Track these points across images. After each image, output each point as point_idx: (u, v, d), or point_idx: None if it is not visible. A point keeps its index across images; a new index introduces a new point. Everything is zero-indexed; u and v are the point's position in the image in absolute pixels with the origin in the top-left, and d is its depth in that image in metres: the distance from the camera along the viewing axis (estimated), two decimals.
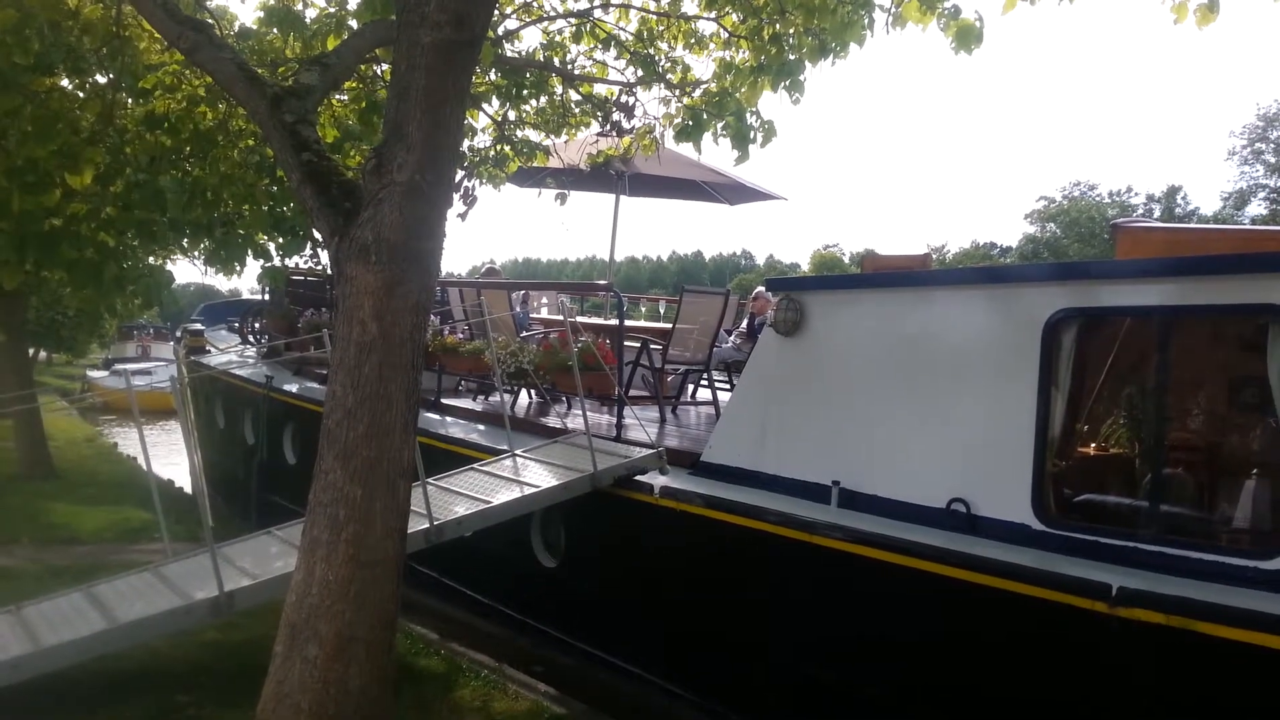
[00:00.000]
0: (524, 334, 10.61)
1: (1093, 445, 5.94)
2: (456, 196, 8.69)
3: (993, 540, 5.50)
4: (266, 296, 15.26)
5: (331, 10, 7.60)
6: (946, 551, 5.36)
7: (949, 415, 5.99)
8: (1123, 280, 5.47)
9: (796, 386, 6.92)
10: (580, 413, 8.12)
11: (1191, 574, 4.83)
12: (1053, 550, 5.31)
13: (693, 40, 8.06)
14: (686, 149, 8.12)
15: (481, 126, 9.18)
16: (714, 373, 10.31)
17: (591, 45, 8.37)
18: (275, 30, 7.80)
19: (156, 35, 7.43)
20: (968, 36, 5.93)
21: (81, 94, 7.97)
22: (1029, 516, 5.50)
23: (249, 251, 8.35)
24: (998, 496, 5.65)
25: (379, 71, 8.13)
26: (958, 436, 5.93)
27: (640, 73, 8.18)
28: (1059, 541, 5.35)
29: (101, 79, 7.91)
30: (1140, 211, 65.61)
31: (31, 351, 23.19)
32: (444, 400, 10.46)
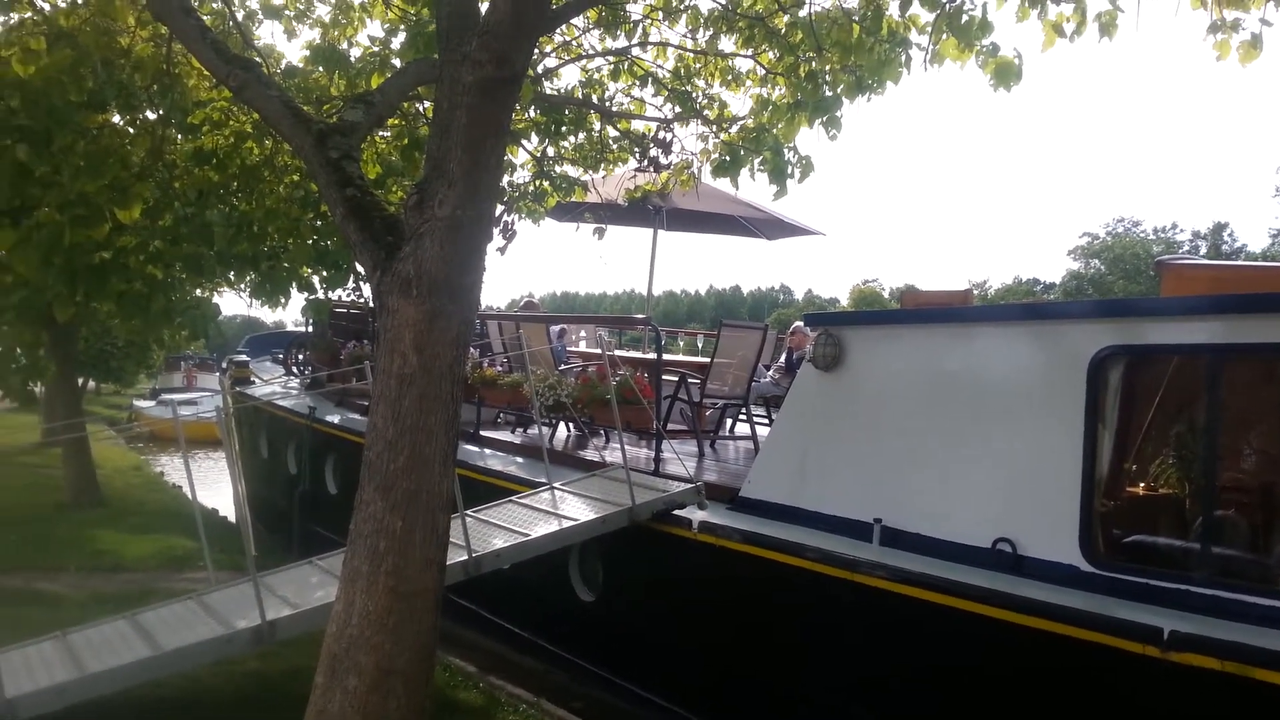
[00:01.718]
0: (562, 367, 10.64)
1: (1142, 485, 5.81)
2: (496, 231, 8.76)
3: (1039, 581, 5.38)
4: (310, 329, 15.47)
5: (376, 49, 7.75)
6: (991, 592, 5.26)
7: (993, 453, 5.89)
8: (1168, 318, 5.37)
9: (836, 422, 6.86)
10: (618, 446, 8.10)
11: (1246, 618, 4.68)
12: (1102, 592, 5.19)
13: (730, 77, 8.10)
14: (724, 184, 8.14)
15: (521, 162, 9.29)
16: (752, 407, 10.26)
17: (629, 82, 8.45)
18: (321, 69, 7.96)
19: (205, 73, 7.61)
20: (1006, 74, 5.90)
21: (132, 130, 8.18)
22: (1077, 557, 5.38)
23: (293, 284, 8.48)
24: (1044, 536, 5.53)
25: (421, 109, 8.26)
26: (1002, 475, 5.83)
27: (678, 109, 8.23)
28: (1108, 583, 5.22)
29: (151, 115, 8.11)
30: (1186, 248, 64.70)
31: (81, 382, 23.64)
32: (483, 432, 10.49)
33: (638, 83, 8.43)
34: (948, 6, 5.86)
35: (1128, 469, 5.77)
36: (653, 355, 9.72)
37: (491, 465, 9.31)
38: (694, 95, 8.22)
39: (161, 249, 7.74)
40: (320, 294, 9.04)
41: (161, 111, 7.72)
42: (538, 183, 9.22)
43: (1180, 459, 5.58)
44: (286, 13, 8.29)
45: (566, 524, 7.17)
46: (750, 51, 7.60)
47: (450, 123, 4.50)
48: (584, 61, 8.50)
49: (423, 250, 4.48)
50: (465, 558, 6.56)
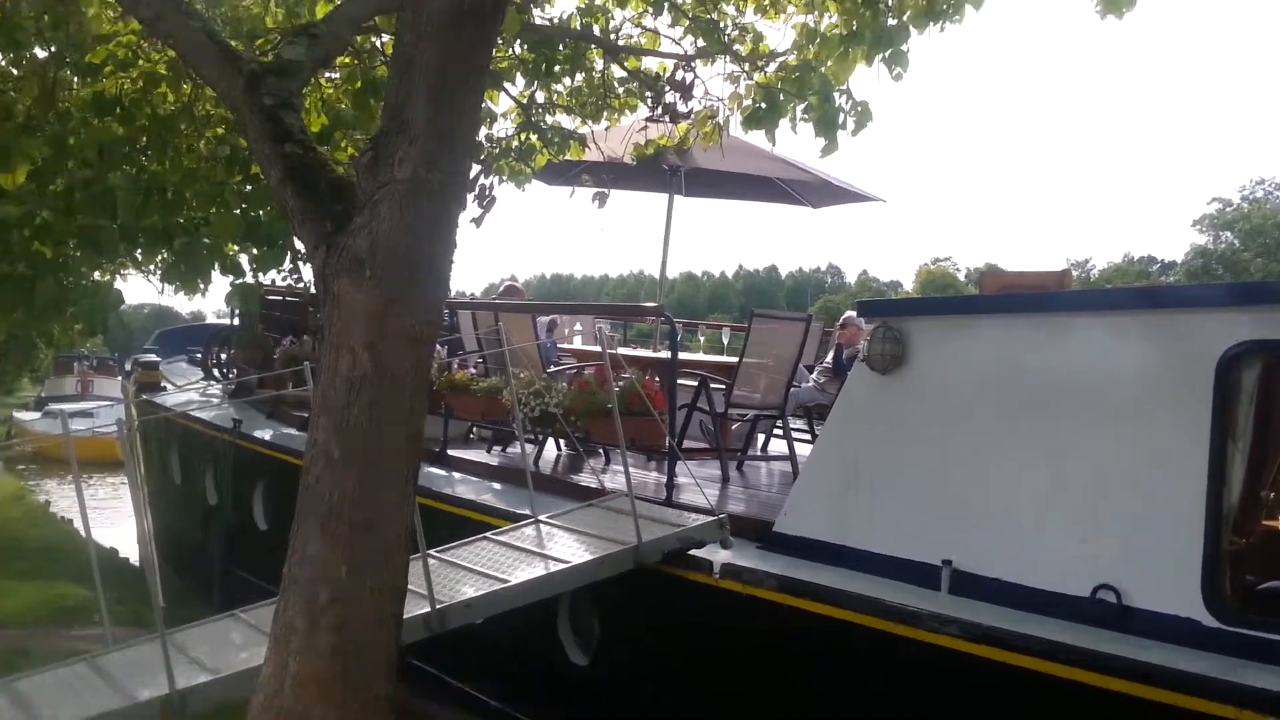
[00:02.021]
0: (552, 369, 10.66)
1: None
2: (470, 197, 8.80)
3: (1152, 640, 5.39)
4: (236, 321, 15.53)
5: None
6: (1091, 654, 5.27)
7: (1095, 478, 5.91)
8: None
9: (896, 438, 6.87)
10: (621, 469, 8.12)
11: None
12: (1230, 653, 5.19)
13: (767, 3, 8.12)
14: (758, 138, 8.16)
15: (503, 111, 9.32)
16: (791, 419, 10.27)
17: (640, 9, 8.47)
18: None
19: (110, 0, 7.66)
20: None
21: (16, 71, 8.21)
22: (1199, 609, 5.39)
23: (215, 265, 8.48)
24: (1158, 583, 5.54)
25: (378, 44, 8.29)
26: (1106, 505, 5.84)
27: (701, 43, 8.25)
28: (1238, 642, 5.23)
29: (41, 53, 8.15)
30: None
31: None
32: (451, 451, 10.54)
33: (650, 10, 8.45)
34: None
35: (1265, 497, 5.78)
36: (666, 354, 9.74)
37: (462, 493, 9.35)
38: (721, 25, 8.24)
39: (51, 221, 7.77)
40: (249, 277, 9.06)
41: (54, 49, 7.75)
42: (523, 136, 9.24)
43: None
44: None
45: (555, 567, 7.18)
46: None
47: (414, 61, 4.52)
48: None
49: (378, 221, 4.51)
50: (427, 610, 6.58)
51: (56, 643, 9.69)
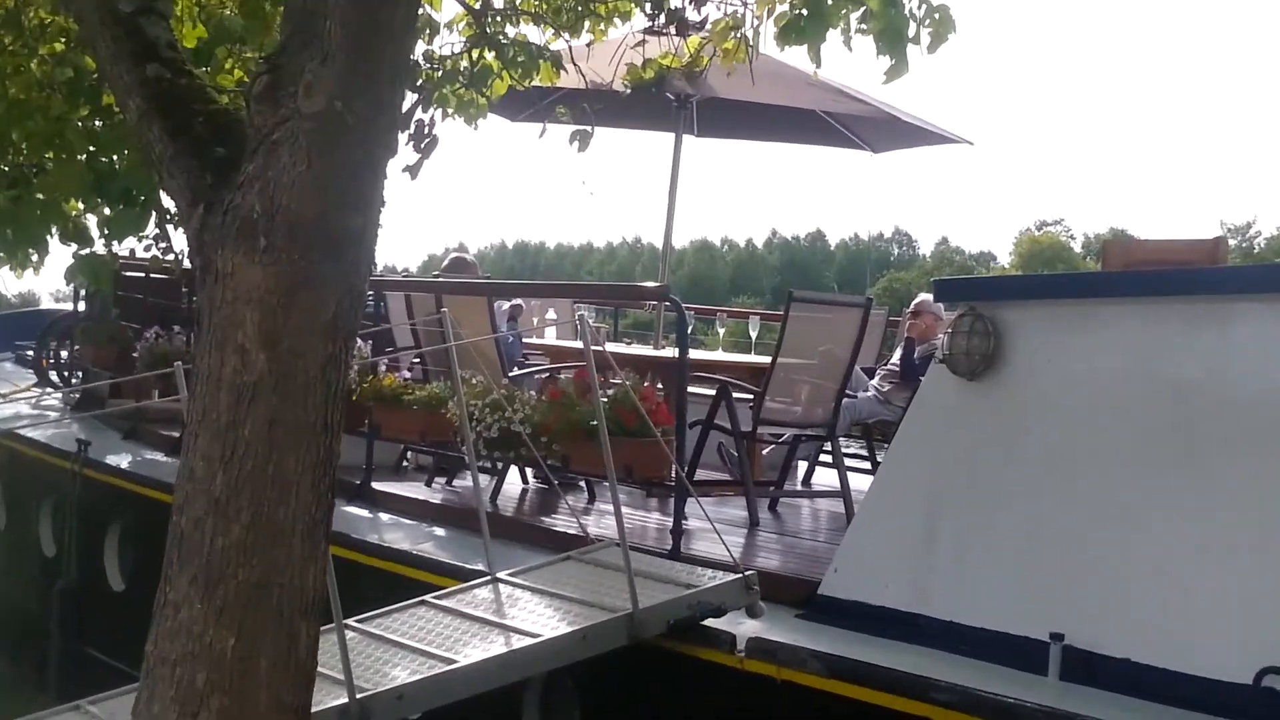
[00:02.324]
0: (516, 372, 10.65)
1: None
2: (403, 137, 8.79)
3: None
4: (81, 307, 15.51)
5: None
6: None
7: (1260, 520, 5.92)
8: None
9: (988, 467, 6.90)
10: (610, 508, 8.12)
11: None
12: None
13: None
14: (798, 56, 8.15)
15: (448, 20, 9.30)
16: (843, 441, 10.28)
17: None
18: None
19: None
20: None
21: None
22: None
23: (53, 230, 8.49)
24: None
25: None
26: (1275, 559, 5.84)
27: None
28: None
29: None
30: None
31: None
32: (377, 485, 10.58)
33: None
34: None
35: None
36: (672, 351, 9.75)
37: (392, 540, 9.38)
38: None
39: None
40: (99, 247, 9.06)
41: None
42: (476, 55, 9.23)
43: None
44: None
45: (520, 643, 7.19)
46: None
47: None
48: None
49: (277, 170, 4.50)
50: (345, 700, 6.58)
51: None
